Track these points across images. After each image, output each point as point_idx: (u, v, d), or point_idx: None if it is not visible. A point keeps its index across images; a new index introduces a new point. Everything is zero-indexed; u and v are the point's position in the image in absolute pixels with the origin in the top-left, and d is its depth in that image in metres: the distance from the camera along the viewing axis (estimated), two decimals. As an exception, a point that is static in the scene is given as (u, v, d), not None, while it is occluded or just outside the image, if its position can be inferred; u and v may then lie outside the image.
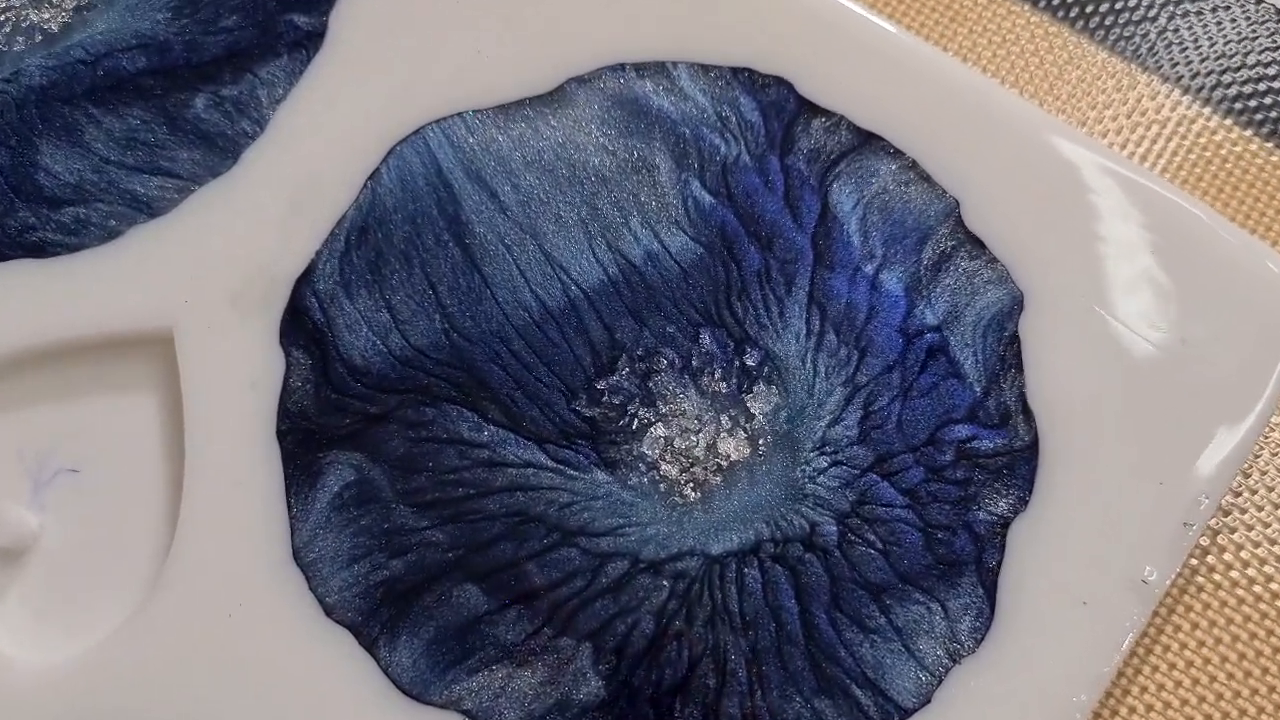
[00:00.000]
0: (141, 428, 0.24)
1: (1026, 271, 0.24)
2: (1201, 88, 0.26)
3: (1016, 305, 0.23)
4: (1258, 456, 0.24)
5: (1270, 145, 0.26)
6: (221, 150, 0.25)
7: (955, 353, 0.23)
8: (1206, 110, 0.26)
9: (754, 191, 0.24)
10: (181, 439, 0.23)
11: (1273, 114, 0.26)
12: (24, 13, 0.26)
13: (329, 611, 0.22)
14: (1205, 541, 0.23)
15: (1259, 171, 0.26)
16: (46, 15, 0.26)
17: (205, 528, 0.23)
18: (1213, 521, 0.24)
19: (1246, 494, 0.24)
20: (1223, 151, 0.26)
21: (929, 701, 0.21)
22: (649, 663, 0.22)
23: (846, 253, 0.24)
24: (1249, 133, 0.26)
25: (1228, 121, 0.26)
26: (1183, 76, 0.26)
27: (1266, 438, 0.24)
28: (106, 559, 0.23)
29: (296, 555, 0.22)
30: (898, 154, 0.24)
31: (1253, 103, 0.26)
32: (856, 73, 0.25)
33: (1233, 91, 0.27)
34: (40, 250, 0.24)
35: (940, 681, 0.21)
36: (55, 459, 0.24)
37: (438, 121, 0.25)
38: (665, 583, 0.22)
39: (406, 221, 0.24)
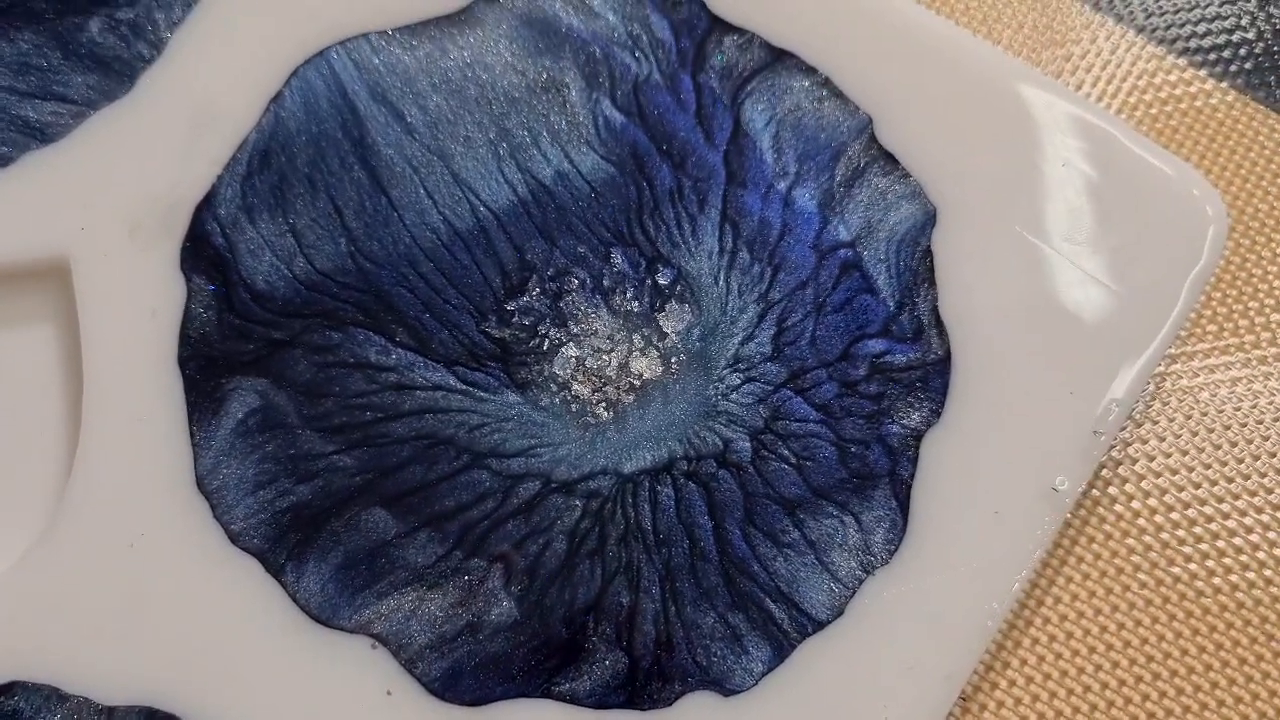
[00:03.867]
0: (38, 359, 0.24)
1: (940, 187, 0.24)
2: (1144, 26, 0.27)
3: (930, 220, 0.24)
4: (1170, 367, 0.25)
5: (1202, 74, 0.27)
6: (117, 74, 0.25)
7: (869, 268, 0.24)
8: (1151, 46, 0.27)
9: (665, 110, 0.25)
10: (79, 370, 0.24)
11: (1205, 42, 0.27)
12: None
13: (234, 539, 0.22)
14: (1117, 452, 0.24)
15: (1191, 102, 0.27)
16: (-67, -60, 0.26)
17: (105, 458, 0.23)
18: (1124, 432, 0.24)
19: (1159, 404, 0.25)
20: (1156, 81, 0.27)
21: (842, 613, 0.22)
22: (561, 582, 0.22)
23: (759, 170, 0.24)
24: (1183, 62, 0.27)
25: (1166, 54, 0.27)
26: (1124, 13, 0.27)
27: (1179, 349, 0.25)
28: (4, 493, 0.23)
29: (200, 482, 0.23)
30: (810, 71, 0.25)
31: (1185, 31, 0.27)
32: (768, -11, 0.25)
33: (1172, 29, 0.27)
34: (-70, 177, 0.24)
35: (854, 593, 0.22)
36: (-51, 393, 0.24)
37: (342, 43, 0.25)
38: (577, 502, 0.22)
39: (310, 144, 0.24)
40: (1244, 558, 0.23)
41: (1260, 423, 0.24)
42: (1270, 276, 0.26)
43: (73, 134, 0.25)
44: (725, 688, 0.22)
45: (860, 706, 0.21)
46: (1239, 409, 0.24)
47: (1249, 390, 0.25)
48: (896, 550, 0.22)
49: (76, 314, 0.24)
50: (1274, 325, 0.25)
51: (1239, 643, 0.23)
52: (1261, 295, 0.25)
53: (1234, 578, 0.23)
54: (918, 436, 0.23)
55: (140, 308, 0.24)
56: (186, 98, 0.25)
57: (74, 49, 0.25)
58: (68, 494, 0.23)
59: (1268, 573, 0.23)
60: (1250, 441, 0.24)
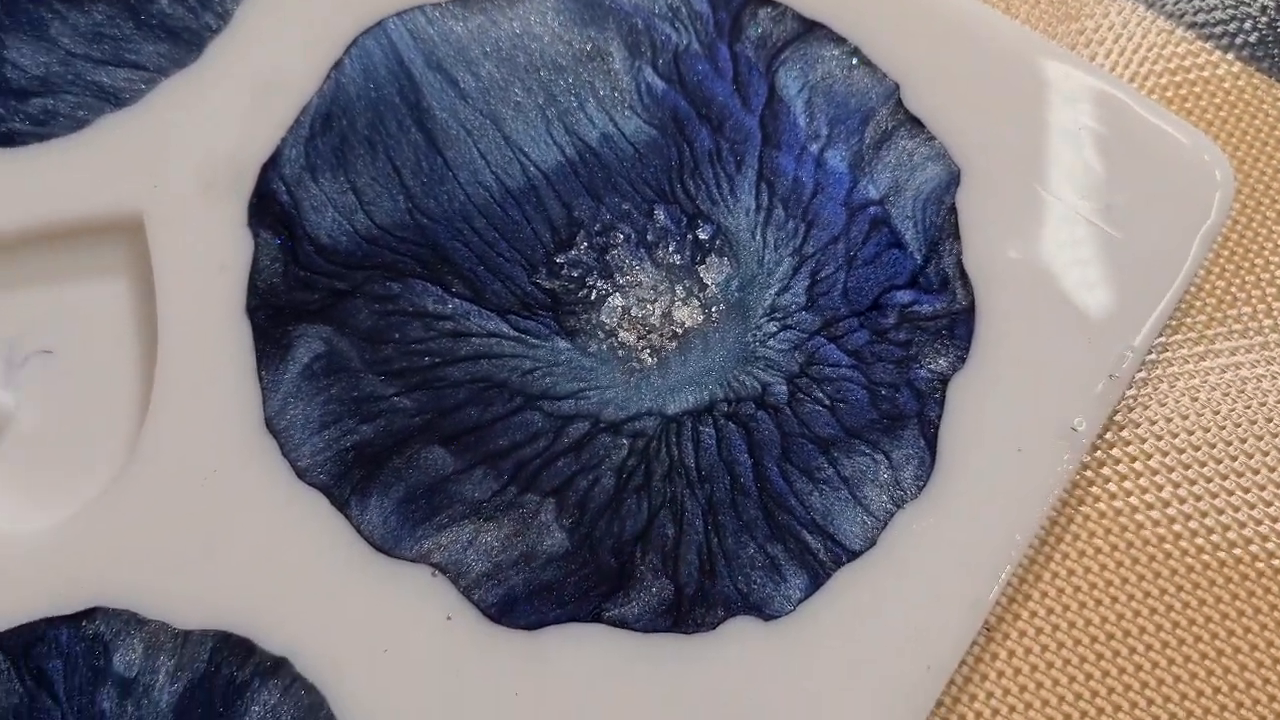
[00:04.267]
0: (114, 310, 0.26)
1: (964, 149, 0.26)
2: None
3: (954, 180, 0.26)
4: (1186, 314, 0.26)
5: (1209, 46, 0.28)
6: (186, 43, 0.26)
7: (897, 224, 0.25)
8: (1160, 20, 0.28)
9: (704, 77, 0.26)
10: (154, 321, 0.25)
11: (1212, 16, 0.29)
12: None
13: (301, 475, 0.24)
14: (1133, 394, 0.26)
15: (1199, 72, 0.28)
16: (10, -84, 0.27)
17: (179, 400, 0.24)
18: (1140, 374, 0.26)
19: (1173, 349, 0.26)
20: (1166, 53, 0.28)
21: (874, 544, 0.23)
22: (610, 515, 0.24)
23: (793, 133, 0.26)
24: (1202, 41, 0.29)
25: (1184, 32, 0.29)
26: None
27: (1195, 296, 0.27)
28: (82, 435, 0.25)
29: (269, 423, 0.24)
30: (840, 41, 0.26)
31: (1192, 5, 0.29)
32: (801, -36, 0.27)
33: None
34: (9, 140, 0.26)
35: (885, 526, 0.23)
36: (28, 342, 0.25)
37: (398, 14, 0.27)
38: (624, 441, 0.24)
39: (369, 109, 0.26)
40: (1251, 498, 0.25)
41: (1260, 385, 0.26)
42: (1276, 235, 0.27)
43: (145, 98, 0.26)
44: (765, 613, 0.23)
45: (892, 631, 0.23)
46: (1240, 374, 0.26)
47: (1260, 354, 0.26)
48: (925, 486, 0.24)
49: (150, 267, 0.25)
50: None
51: (1248, 576, 0.24)
52: (1267, 252, 0.27)
53: (1241, 516, 0.25)
54: (944, 380, 0.24)
55: (210, 262, 0.25)
56: (251, 65, 0.26)
57: (145, 19, 0.27)
58: (144, 433, 0.24)
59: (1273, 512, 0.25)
60: (1249, 406, 0.26)
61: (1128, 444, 0.25)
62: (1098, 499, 0.25)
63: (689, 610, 0.23)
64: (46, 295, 0.26)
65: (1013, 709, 0.24)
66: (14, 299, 0.26)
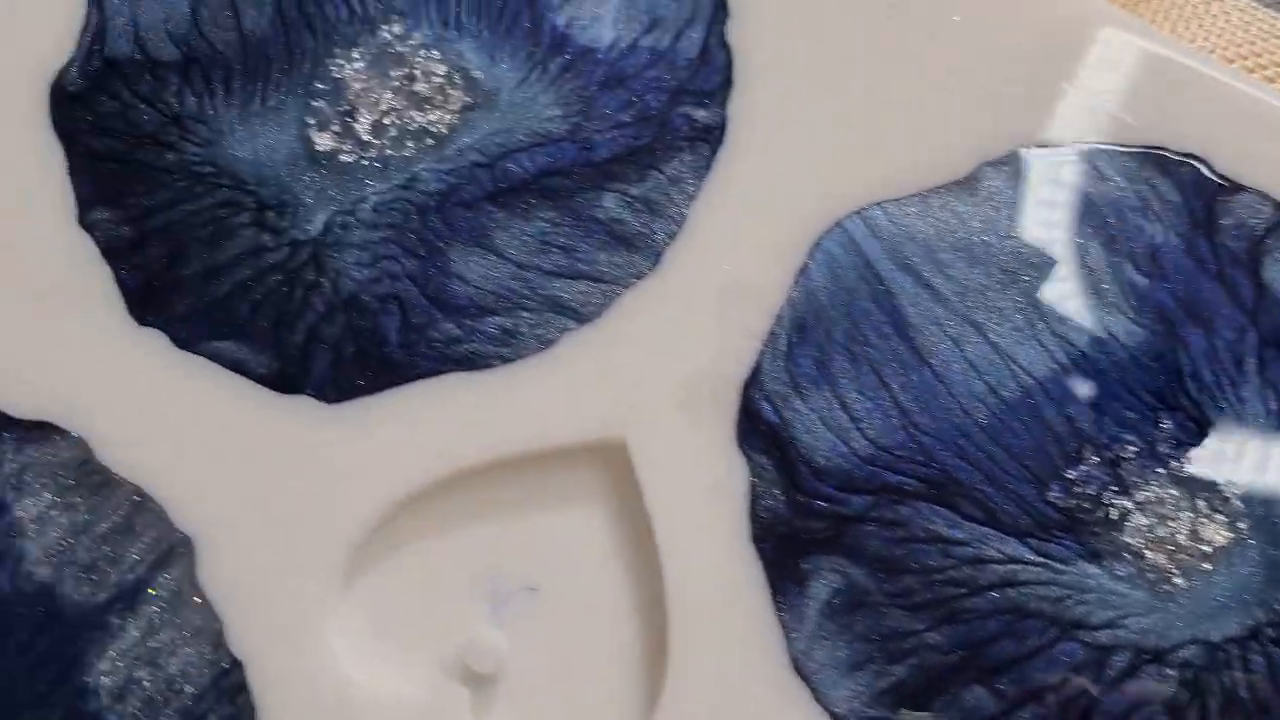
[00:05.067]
0: (597, 540, 0.24)
1: None
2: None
3: None
4: None
5: None
6: (641, 250, 0.25)
7: None
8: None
9: (1186, 272, 0.25)
10: (640, 550, 0.24)
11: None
12: (408, 115, 0.26)
13: (839, 722, 0.23)
14: None
15: None
16: (433, 117, 0.26)
17: (695, 640, 0.23)
18: None
19: None
20: None
21: None
22: (1168, 755, 0.23)
23: (1288, 329, 0.25)
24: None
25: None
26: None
27: None
28: (581, 675, 0.24)
29: (796, 666, 0.23)
30: (1320, 228, 0.26)
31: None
32: (1270, 149, 0.26)
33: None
34: (472, 363, 0.25)
35: None
36: (511, 577, 0.24)
37: (857, 212, 0.26)
38: (1171, 673, 0.23)
39: (844, 316, 0.25)
40: None
41: None
42: None
43: (608, 312, 0.25)
44: None
45: None
46: None
47: None
48: None
49: (635, 493, 0.24)
50: None
51: None
52: None
53: None
54: None
55: (700, 484, 0.24)
56: (712, 272, 0.25)
57: (593, 226, 0.26)
58: (670, 674, 0.23)
59: None
60: None
61: None
62: None
63: None
64: (524, 524, 0.25)
65: None
66: (490, 529, 0.24)
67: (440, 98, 0.26)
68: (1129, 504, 0.24)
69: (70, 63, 0.27)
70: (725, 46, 0.27)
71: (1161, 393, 0.25)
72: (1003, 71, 0.26)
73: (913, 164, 0.26)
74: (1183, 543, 0.24)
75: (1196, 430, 0.24)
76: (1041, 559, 0.24)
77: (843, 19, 0.27)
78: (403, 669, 0.24)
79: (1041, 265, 0.25)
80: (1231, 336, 0.25)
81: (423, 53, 0.27)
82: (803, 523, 0.24)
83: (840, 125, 0.26)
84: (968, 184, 0.26)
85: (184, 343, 0.25)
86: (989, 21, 0.27)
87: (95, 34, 0.27)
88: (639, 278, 0.25)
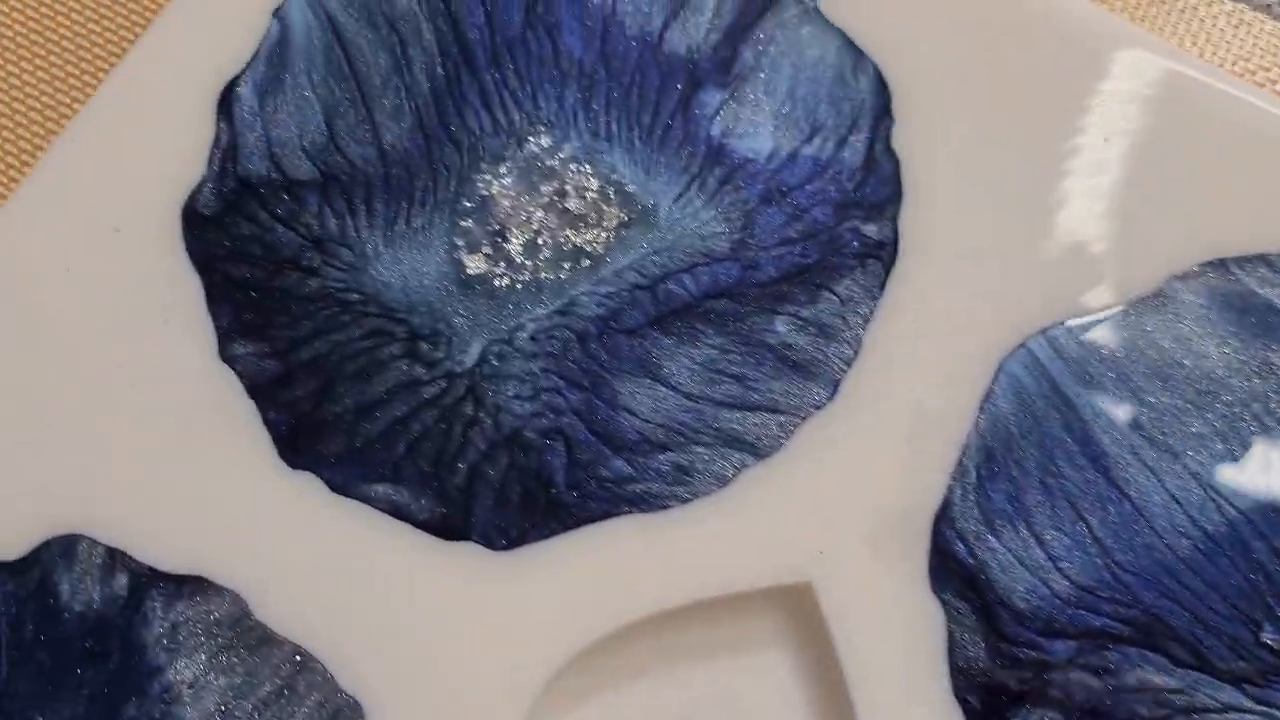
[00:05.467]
0: (785, 689, 0.23)
1: None
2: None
3: None
4: None
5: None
6: (817, 378, 0.24)
7: None
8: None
9: (1392, 391, 0.24)
10: (831, 700, 0.23)
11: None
12: (562, 234, 0.25)
13: None
14: None
15: None
16: (588, 237, 0.25)
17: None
18: None
19: None
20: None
21: None
22: None
23: None
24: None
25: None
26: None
27: None
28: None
29: (1009, 829, 0.22)
30: None
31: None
32: None
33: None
34: (646, 503, 0.23)
35: None
36: (699, 726, 0.23)
37: (1041, 331, 0.24)
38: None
39: (1034, 445, 0.24)
40: None
41: None
42: None
43: (786, 446, 0.24)
44: None
45: None
46: None
47: None
48: None
49: (823, 637, 0.23)
50: None
51: None
52: None
53: None
54: None
55: (894, 630, 0.23)
56: (893, 399, 0.24)
57: (765, 352, 0.24)
58: None
59: None
60: None
61: None
62: None
63: None
64: (707, 674, 0.23)
65: None
66: (672, 679, 0.23)
67: (594, 215, 0.25)
68: (1349, 646, 0.23)
69: (203, 183, 0.25)
70: (891, 154, 0.25)
71: (1374, 523, 0.23)
72: (1191, 179, 0.25)
73: (1098, 278, 0.25)
74: None
75: None
76: (1261, 707, 0.22)
77: (1019, 122, 0.25)
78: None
79: (1231, 384, 0.24)
80: None
81: (574, 166, 0.25)
82: (1006, 672, 0.22)
83: (1018, 237, 0.25)
84: (1157, 299, 0.25)
85: (339, 487, 0.24)
86: (1174, 127, 0.25)
87: (227, 151, 0.25)
88: (817, 408, 0.24)
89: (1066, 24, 0.26)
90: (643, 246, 0.25)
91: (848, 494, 0.24)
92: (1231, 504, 0.23)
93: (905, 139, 0.26)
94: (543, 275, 0.25)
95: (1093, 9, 0.27)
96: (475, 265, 0.25)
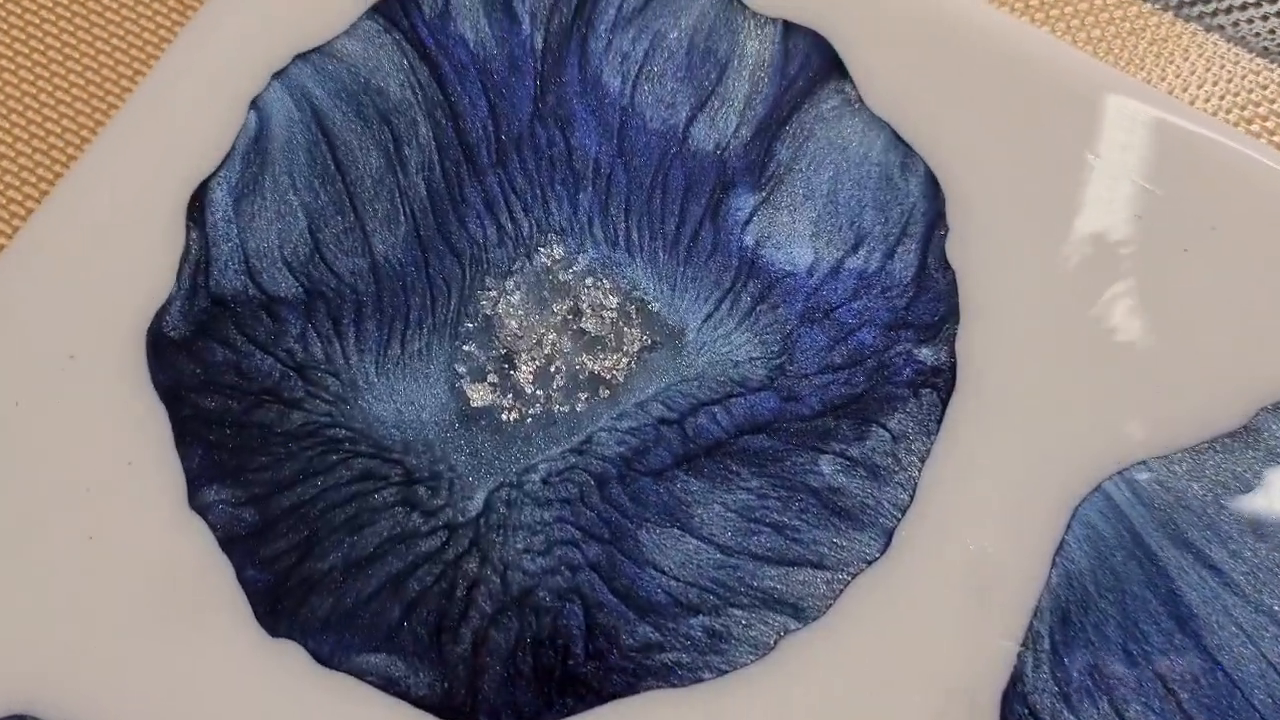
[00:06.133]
0: None
1: None
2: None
3: None
4: None
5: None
6: (868, 527, 0.21)
7: None
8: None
9: None
10: None
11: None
12: (577, 360, 0.22)
13: None
14: None
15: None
16: (607, 363, 0.22)
17: None
18: None
19: None
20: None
21: None
22: None
23: None
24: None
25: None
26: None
27: None
28: None
29: None
30: None
31: None
32: None
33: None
34: (676, 675, 0.21)
35: None
36: None
37: (1119, 472, 0.22)
38: None
39: (1114, 606, 0.21)
40: None
41: None
42: None
43: (834, 607, 0.21)
44: None
45: None
46: None
47: None
48: None
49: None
50: None
51: None
52: None
53: None
54: None
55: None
56: (954, 552, 0.21)
57: (807, 498, 0.22)
58: None
59: None
60: None
61: None
62: None
63: None
64: None
65: None
66: None
67: (614, 338, 0.22)
68: None
69: (169, 301, 0.22)
70: (946, 267, 0.23)
71: None
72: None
73: (1179, 411, 0.22)
74: None
75: None
76: None
77: (1086, 229, 0.23)
78: None
79: (1342, 536, 0.22)
80: None
81: (589, 281, 0.23)
82: None
83: (1089, 361, 0.22)
84: (1246, 435, 0.22)
85: (325, 658, 0.21)
86: (1268, 232, 0.23)
87: (197, 264, 0.23)
88: (867, 562, 0.21)
89: (1139, 113, 0.23)
90: (668, 374, 0.22)
91: (904, 663, 0.21)
92: (1339, 674, 0.21)
93: (962, 250, 0.23)
94: (556, 408, 0.22)
95: (1169, 100, 0.24)
96: (479, 396, 0.22)
